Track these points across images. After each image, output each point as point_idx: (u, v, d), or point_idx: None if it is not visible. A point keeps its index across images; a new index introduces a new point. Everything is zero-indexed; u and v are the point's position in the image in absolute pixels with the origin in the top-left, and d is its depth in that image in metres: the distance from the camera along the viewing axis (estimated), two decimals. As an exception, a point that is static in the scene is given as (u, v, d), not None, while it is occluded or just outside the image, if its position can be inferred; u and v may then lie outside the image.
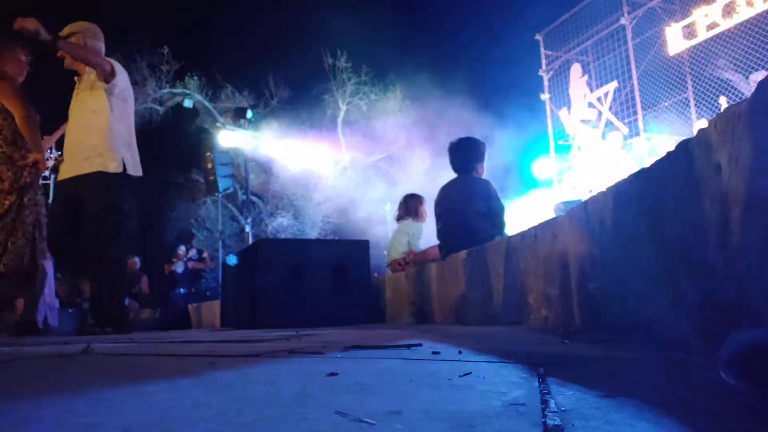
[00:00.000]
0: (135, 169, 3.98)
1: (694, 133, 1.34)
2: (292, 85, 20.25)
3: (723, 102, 9.30)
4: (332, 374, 1.06)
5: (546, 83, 13.31)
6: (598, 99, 11.98)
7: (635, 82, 10.86)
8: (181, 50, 19.27)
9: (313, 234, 19.77)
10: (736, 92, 9.31)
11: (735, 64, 9.22)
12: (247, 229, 10.95)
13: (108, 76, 3.87)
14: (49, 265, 7.13)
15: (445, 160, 4.44)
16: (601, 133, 11.79)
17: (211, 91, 19.96)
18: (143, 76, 18.47)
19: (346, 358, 1.43)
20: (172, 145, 18.28)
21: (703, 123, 4.22)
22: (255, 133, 11.47)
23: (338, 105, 20.39)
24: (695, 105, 10.15)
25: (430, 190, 5.20)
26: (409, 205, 5.60)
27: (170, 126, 18.76)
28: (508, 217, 4.17)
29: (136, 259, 10.10)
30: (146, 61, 18.74)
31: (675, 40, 10.16)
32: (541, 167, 13.64)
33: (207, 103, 19.74)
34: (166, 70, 19.19)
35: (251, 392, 0.91)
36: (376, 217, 17.39)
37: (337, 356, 1.46)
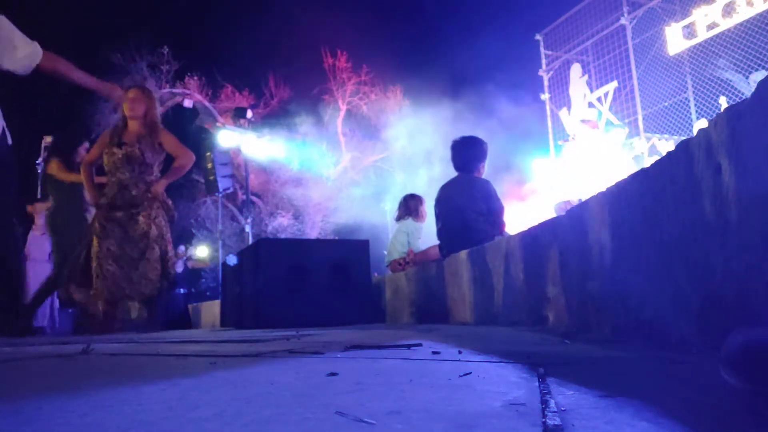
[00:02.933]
0: None
1: (694, 133, 1.34)
2: (292, 85, 20.31)
3: (723, 102, 9.29)
4: (332, 374, 1.06)
5: (546, 83, 13.30)
6: (598, 99, 11.97)
7: (635, 82, 10.85)
8: (181, 50, 19.30)
9: (313, 234, 19.76)
10: (736, 92, 9.30)
11: (735, 64, 9.22)
12: (247, 229, 10.94)
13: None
14: (48, 267, 7.13)
15: (445, 159, 4.43)
16: (602, 132, 11.79)
17: (211, 91, 20.00)
18: (143, 76, 18.47)
19: (346, 358, 1.43)
20: (171, 145, 18.23)
21: (703, 123, 4.22)
22: (255, 134, 11.46)
23: (338, 105, 20.42)
24: (695, 105, 10.14)
25: (429, 190, 5.20)
26: (410, 205, 5.61)
27: (170, 126, 18.70)
28: (507, 216, 4.17)
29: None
30: (146, 61, 18.75)
31: (675, 40, 10.15)
32: (541, 167, 13.63)
33: (207, 103, 19.75)
34: (166, 70, 19.21)
35: (251, 392, 0.91)
36: (376, 217, 17.39)
37: (337, 356, 1.46)
